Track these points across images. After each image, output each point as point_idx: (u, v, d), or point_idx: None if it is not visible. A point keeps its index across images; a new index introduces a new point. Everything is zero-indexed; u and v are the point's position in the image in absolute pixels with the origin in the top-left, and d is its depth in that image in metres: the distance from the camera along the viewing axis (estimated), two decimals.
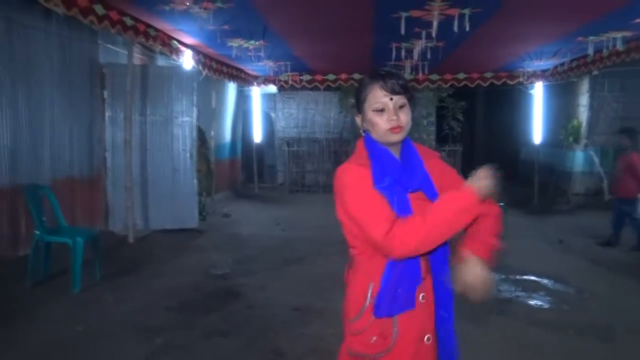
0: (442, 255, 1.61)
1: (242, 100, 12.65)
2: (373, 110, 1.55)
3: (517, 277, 5.33)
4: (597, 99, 10.22)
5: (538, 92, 10.36)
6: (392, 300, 1.51)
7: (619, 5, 4.61)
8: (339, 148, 12.89)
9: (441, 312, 1.59)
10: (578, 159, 10.51)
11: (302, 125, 13.57)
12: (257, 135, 12.31)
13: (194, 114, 6.84)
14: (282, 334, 3.66)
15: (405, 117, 1.55)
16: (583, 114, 10.41)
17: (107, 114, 6.46)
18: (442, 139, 12.33)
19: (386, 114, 1.53)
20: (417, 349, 1.55)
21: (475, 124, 15.85)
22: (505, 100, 14.11)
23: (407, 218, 1.47)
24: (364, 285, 1.56)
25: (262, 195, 11.93)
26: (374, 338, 1.53)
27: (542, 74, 9.67)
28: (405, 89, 1.55)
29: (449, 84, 10.78)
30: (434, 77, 10.47)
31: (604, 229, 7.89)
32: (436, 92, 11.70)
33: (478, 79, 10.29)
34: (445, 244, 1.58)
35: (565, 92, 10.99)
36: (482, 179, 1.45)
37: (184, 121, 6.81)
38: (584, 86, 10.40)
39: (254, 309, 4.19)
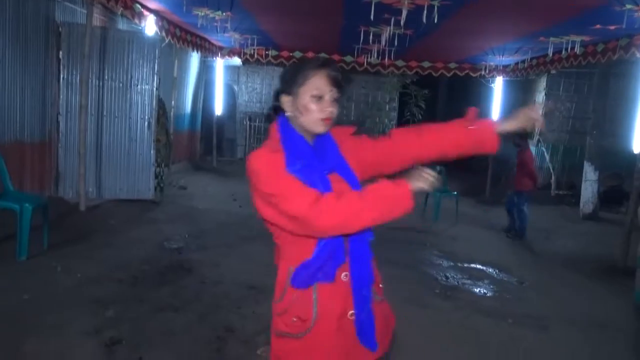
0: (365, 239, 1.63)
1: (205, 70, 12.35)
2: (311, 96, 1.52)
3: (465, 264, 5.55)
4: (552, 97, 10.61)
5: (498, 87, 10.64)
6: (311, 275, 1.54)
7: (581, 12, 4.78)
8: None
9: (363, 292, 1.60)
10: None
11: (266, 101, 13.42)
12: (219, 108, 12.10)
13: (155, 82, 6.64)
14: (234, 311, 3.69)
15: (336, 111, 1.56)
16: (538, 110, 10.77)
17: (62, 76, 6.17)
18: (403, 125, 12.48)
19: (322, 103, 1.53)
20: (339, 326, 1.57)
21: (436, 113, 16.14)
22: (467, 91, 14.43)
23: (338, 193, 1.47)
24: (285, 270, 1.59)
25: (220, 169, 11.80)
26: (294, 319, 1.56)
27: (503, 69, 9.91)
28: (342, 85, 1.56)
29: (414, 71, 10.88)
30: (400, 63, 10.53)
31: (548, 222, 8.32)
32: (400, 78, 11.81)
33: (442, 68, 10.43)
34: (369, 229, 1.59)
35: (524, 89, 11.34)
36: (421, 181, 1.48)
37: (144, 89, 6.60)
38: (541, 84, 10.76)
39: (207, 285, 4.20)
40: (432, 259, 5.74)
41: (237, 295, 4.01)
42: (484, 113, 8.86)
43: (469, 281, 5.01)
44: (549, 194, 10.54)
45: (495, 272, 5.35)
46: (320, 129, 1.56)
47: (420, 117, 12.20)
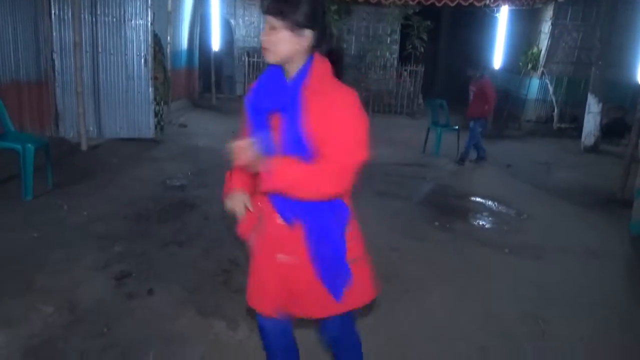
0: None
1: (200, 4, 11.93)
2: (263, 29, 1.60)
3: (465, 198, 5.63)
4: (558, 27, 10.30)
5: (503, 17, 10.31)
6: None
7: None
8: None
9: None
10: (533, 86, 10.76)
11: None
12: (216, 44, 11.80)
13: (149, 17, 6.44)
14: (237, 245, 3.77)
15: (272, 39, 1.53)
16: (544, 41, 10.50)
17: (53, 11, 5.99)
18: (404, 58, 12.22)
19: (263, 33, 1.57)
20: (270, 263, 1.71)
21: (438, 45, 15.73)
22: (470, 22, 13.98)
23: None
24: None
25: (219, 107, 11.69)
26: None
27: None
28: (278, 13, 1.50)
29: (416, 1, 10.53)
30: None
31: (549, 155, 8.34)
32: (402, 10, 11.42)
33: None
34: None
35: (529, 19, 10.98)
36: (241, 154, 1.49)
37: (138, 24, 6.41)
38: (548, 13, 10.39)
39: (210, 221, 4.29)
40: (432, 192, 5.81)
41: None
42: (488, 46, 8.86)
43: (466, 214, 5.10)
44: (551, 127, 10.48)
45: (495, 205, 5.44)
46: (266, 58, 1.59)
47: (422, 49, 11.91)
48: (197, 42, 12.09)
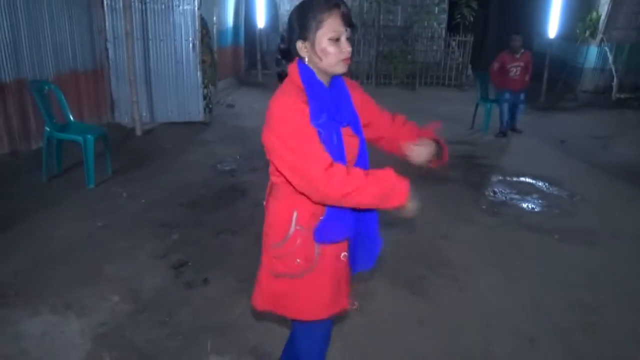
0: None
1: None
2: (329, 39, 1.50)
3: (514, 178, 5.52)
4: None
5: None
6: (332, 229, 1.63)
7: None
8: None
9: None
10: (591, 54, 10.23)
11: None
12: (261, 20, 11.82)
13: (196, 2, 6.55)
14: None
15: (351, 50, 1.56)
16: (604, 5, 9.89)
17: (105, 1, 6.20)
18: (453, 28, 11.84)
19: (340, 44, 1.52)
20: (335, 266, 1.71)
21: (489, 13, 15.09)
22: None
23: (351, 169, 1.49)
24: (289, 213, 1.63)
25: (265, 84, 11.79)
26: (298, 260, 1.65)
27: None
28: (353, 24, 1.56)
29: None
30: None
31: (607, 129, 7.97)
32: None
33: None
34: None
35: None
36: (414, 204, 1.52)
37: (186, 9, 6.54)
38: None
39: (260, 207, 4.38)
40: (480, 173, 5.72)
41: None
42: (542, 14, 8.47)
43: (517, 196, 5.01)
44: (610, 98, 9.97)
45: (545, 186, 5.31)
46: (341, 69, 1.56)
47: (472, 18, 11.49)
48: (242, 18, 12.16)
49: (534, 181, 5.46)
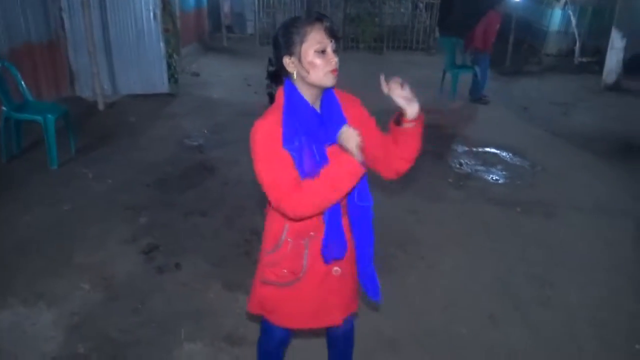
0: (366, 208, 1.75)
1: None
2: (315, 51, 1.51)
3: (479, 149, 5.65)
4: None
5: None
6: (331, 248, 1.68)
7: None
8: None
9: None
10: (555, 17, 10.34)
11: None
12: None
13: None
14: (257, 212, 3.92)
15: (337, 62, 1.56)
16: None
17: None
18: None
19: (327, 56, 1.52)
20: (323, 280, 1.75)
21: None
22: None
23: (304, 184, 1.52)
24: (281, 224, 1.68)
25: (231, 48, 11.53)
26: (285, 270, 1.72)
27: None
28: (338, 36, 1.56)
29: None
30: None
31: (568, 94, 8.17)
32: None
33: None
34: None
35: None
36: (352, 142, 1.50)
37: None
38: None
39: (229, 186, 4.42)
40: (447, 143, 5.82)
41: (259, 195, 4.22)
42: None
43: (482, 167, 5.15)
44: (572, 61, 10.17)
45: (509, 156, 5.46)
46: (329, 81, 1.56)
47: None
48: None
49: (498, 151, 5.60)
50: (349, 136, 1.50)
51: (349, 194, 1.65)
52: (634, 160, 5.35)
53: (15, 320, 2.71)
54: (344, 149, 1.51)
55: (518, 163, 5.31)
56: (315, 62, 1.52)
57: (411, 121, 1.61)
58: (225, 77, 8.71)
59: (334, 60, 1.53)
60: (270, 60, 1.63)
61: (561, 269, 3.40)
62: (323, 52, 1.52)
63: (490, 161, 5.33)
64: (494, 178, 4.92)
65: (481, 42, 7.21)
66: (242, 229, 3.71)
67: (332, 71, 1.54)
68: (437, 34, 11.93)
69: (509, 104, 7.57)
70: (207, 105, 6.92)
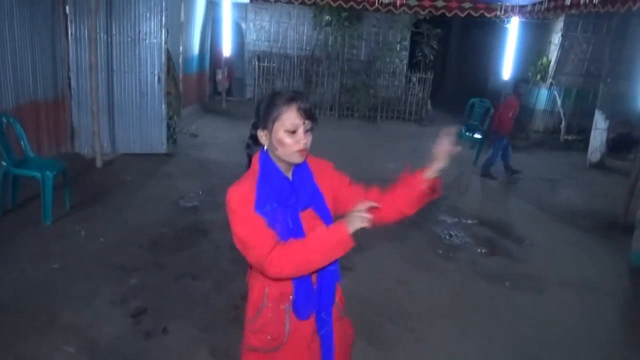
0: (331, 270, 1.76)
1: (212, 8, 12.05)
2: (285, 131, 1.60)
3: (469, 221, 5.74)
4: (568, 39, 10.32)
5: (513, 27, 10.31)
6: (301, 306, 1.72)
7: None
8: (310, 66, 12.69)
9: (322, 315, 1.78)
10: (542, 96, 10.81)
11: (274, 40, 13.18)
12: (227, 48, 11.91)
13: (163, 36, 6.57)
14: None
15: (309, 141, 1.65)
16: (553, 52, 10.53)
17: (70, 31, 6.14)
18: (413, 65, 12.27)
19: (296, 136, 1.61)
20: (307, 345, 1.77)
21: (448, 52, 15.74)
22: (480, 31, 13.97)
23: (285, 244, 1.59)
24: (261, 290, 1.73)
25: (229, 111, 11.83)
26: (269, 336, 1.75)
27: (520, 10, 9.56)
28: (314, 117, 1.64)
29: (426, 10, 10.53)
30: (412, 2, 10.17)
31: (555, 170, 8.41)
32: (412, 17, 11.46)
33: (456, 8, 10.04)
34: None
35: (540, 29, 11.00)
36: (358, 222, 1.55)
37: (152, 43, 6.55)
38: (558, 25, 10.42)
39: (222, 249, 4.44)
40: (437, 214, 5.92)
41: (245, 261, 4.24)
42: (497, 55, 8.95)
43: (471, 240, 5.21)
44: (559, 138, 10.54)
45: (497, 230, 5.55)
46: (297, 159, 1.65)
47: (432, 57, 11.96)
48: (208, 45, 12.23)
49: (487, 224, 5.69)
50: (361, 218, 1.54)
51: None
52: (616, 238, 5.45)
53: None
54: (347, 223, 1.55)
55: (506, 237, 5.39)
56: (284, 141, 1.61)
57: (432, 178, 1.72)
58: (222, 139, 8.91)
59: (302, 141, 1.61)
60: (253, 124, 1.72)
61: (551, 347, 3.39)
62: (294, 132, 1.61)
63: (479, 234, 5.41)
64: (484, 251, 4.98)
65: (497, 125, 7.48)
66: (231, 294, 3.69)
67: (300, 151, 1.62)
68: (429, 106, 12.38)
69: (499, 177, 7.76)
70: (203, 166, 7.04)
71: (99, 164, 6.21)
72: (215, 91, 13.14)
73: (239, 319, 3.37)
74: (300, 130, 1.61)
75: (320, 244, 1.58)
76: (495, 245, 5.14)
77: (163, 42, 6.57)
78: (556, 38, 10.50)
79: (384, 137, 10.34)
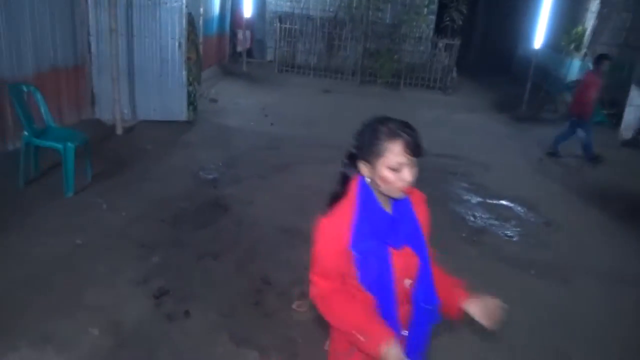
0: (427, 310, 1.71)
1: None
2: (388, 167, 1.49)
3: (494, 201, 5.61)
4: (607, 6, 9.76)
5: None
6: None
7: None
8: (332, 29, 12.32)
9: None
10: (574, 67, 10.36)
11: (297, 0, 12.75)
12: (247, 9, 11.60)
13: None
14: (269, 259, 3.92)
15: (414, 176, 1.54)
16: (590, 20, 10.01)
17: None
18: (441, 30, 11.83)
19: (401, 174, 1.50)
20: None
21: (476, 18, 15.11)
22: None
23: (343, 294, 1.59)
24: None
25: (250, 74, 11.64)
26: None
27: None
28: (420, 153, 1.51)
29: None
30: None
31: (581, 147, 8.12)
32: None
33: None
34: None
35: None
36: (393, 358, 1.47)
37: (173, 7, 6.36)
38: None
39: (243, 227, 4.40)
40: (461, 193, 5.79)
41: (271, 240, 4.22)
42: (528, 22, 8.55)
43: (496, 222, 5.10)
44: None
45: (524, 212, 5.41)
46: (397, 195, 1.56)
47: (461, 22, 11.49)
48: (229, 6, 11.91)
49: (512, 204, 5.55)
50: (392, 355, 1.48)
51: (415, 294, 1.67)
52: None
53: None
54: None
55: (532, 219, 5.26)
56: (387, 178, 1.51)
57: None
58: (242, 105, 8.78)
59: (407, 178, 1.50)
60: (356, 137, 1.60)
61: (576, 341, 3.33)
62: (398, 169, 1.50)
63: (504, 215, 5.28)
64: (508, 235, 4.87)
65: (577, 107, 7.04)
66: (253, 276, 3.67)
67: (403, 188, 1.53)
68: (455, 74, 11.99)
69: (524, 153, 7.55)
70: (223, 134, 6.96)
71: (119, 130, 6.17)
72: (234, 52, 12.89)
73: (260, 303, 3.38)
74: (406, 168, 1.50)
75: (360, 325, 1.54)
76: (520, 228, 5.02)
77: (184, 6, 6.37)
78: (594, 5, 9.95)
79: (407, 105, 10.07)
